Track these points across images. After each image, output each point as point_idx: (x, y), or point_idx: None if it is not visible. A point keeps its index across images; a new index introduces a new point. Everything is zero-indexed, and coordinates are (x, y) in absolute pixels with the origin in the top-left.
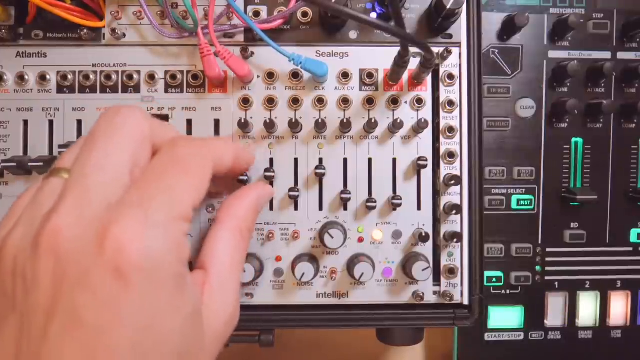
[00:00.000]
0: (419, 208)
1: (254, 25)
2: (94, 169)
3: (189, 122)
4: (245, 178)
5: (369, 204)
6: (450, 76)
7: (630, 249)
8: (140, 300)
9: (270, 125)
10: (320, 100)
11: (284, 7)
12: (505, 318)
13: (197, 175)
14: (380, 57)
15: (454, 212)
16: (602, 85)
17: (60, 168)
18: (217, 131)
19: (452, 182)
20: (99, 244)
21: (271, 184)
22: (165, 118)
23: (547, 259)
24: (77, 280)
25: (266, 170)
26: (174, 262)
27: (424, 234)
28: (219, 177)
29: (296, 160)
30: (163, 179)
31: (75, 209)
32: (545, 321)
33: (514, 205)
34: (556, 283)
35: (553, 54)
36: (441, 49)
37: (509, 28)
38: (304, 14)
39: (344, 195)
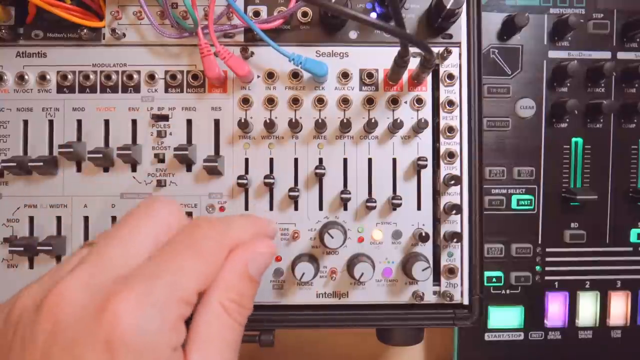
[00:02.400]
0: (419, 208)
1: (254, 25)
2: (116, 242)
3: (189, 122)
4: (245, 181)
5: (369, 204)
6: (450, 76)
7: (630, 249)
8: None
9: (270, 125)
10: (320, 100)
11: (284, 7)
12: (505, 318)
13: (209, 262)
14: (380, 57)
15: (454, 212)
16: (602, 85)
17: (94, 241)
18: (217, 131)
19: (452, 182)
20: (97, 313)
21: (270, 191)
22: (165, 118)
23: (547, 259)
24: (67, 345)
25: (266, 176)
26: (164, 346)
27: (424, 234)
28: None
29: (296, 160)
30: (174, 260)
31: (85, 276)
32: (545, 321)
33: (514, 205)
34: (556, 283)
35: (553, 54)
36: (441, 49)
37: (509, 28)
38: (304, 14)
39: (344, 195)
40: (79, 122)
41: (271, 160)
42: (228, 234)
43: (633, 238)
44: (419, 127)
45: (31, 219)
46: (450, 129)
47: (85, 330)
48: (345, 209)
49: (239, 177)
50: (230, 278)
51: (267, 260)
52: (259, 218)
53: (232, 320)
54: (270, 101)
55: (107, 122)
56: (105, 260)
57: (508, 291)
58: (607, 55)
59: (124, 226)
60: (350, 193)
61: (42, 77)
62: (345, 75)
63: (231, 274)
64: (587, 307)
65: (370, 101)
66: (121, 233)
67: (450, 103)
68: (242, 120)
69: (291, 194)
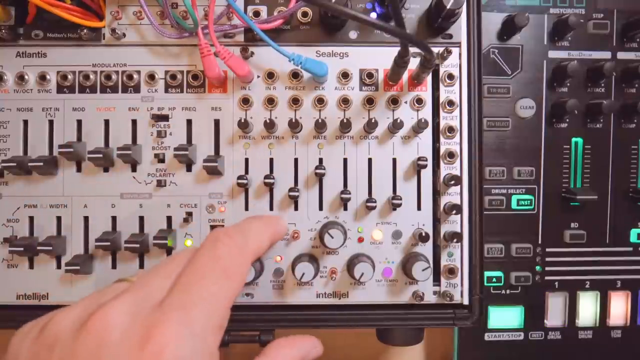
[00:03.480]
0: (419, 208)
1: (254, 25)
2: (155, 273)
3: (189, 122)
4: (245, 181)
5: (369, 204)
6: (450, 76)
7: (630, 249)
8: None
9: (270, 125)
10: (320, 100)
11: (284, 7)
12: (505, 318)
13: (238, 280)
14: (380, 57)
15: (454, 212)
16: (602, 85)
17: (130, 278)
18: (217, 131)
19: (452, 182)
20: (142, 343)
21: (270, 191)
22: (165, 118)
23: (547, 259)
24: None
25: (266, 176)
26: None
27: (424, 234)
28: None
29: (296, 160)
30: (204, 284)
31: (130, 301)
32: (545, 321)
33: (514, 205)
34: (556, 283)
35: (553, 54)
36: (441, 49)
37: (509, 28)
38: (304, 14)
39: (344, 195)
40: (79, 122)
41: (271, 160)
42: (248, 245)
43: (633, 238)
44: (419, 127)
45: (31, 219)
46: (450, 129)
47: (128, 356)
48: (345, 209)
49: (239, 177)
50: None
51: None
52: (270, 218)
53: None
54: (270, 101)
55: (107, 122)
56: (146, 289)
57: (508, 291)
58: (607, 55)
59: (161, 266)
60: (350, 193)
61: (42, 77)
62: (345, 75)
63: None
64: (587, 307)
65: (370, 101)
66: (160, 266)
67: (450, 103)
68: (242, 120)
69: (291, 194)
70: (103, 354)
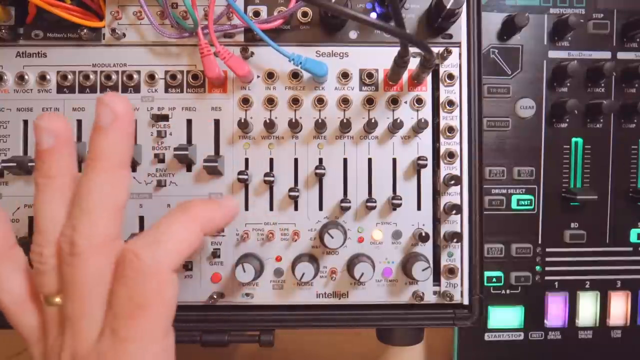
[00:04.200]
0: (419, 208)
1: (254, 25)
2: (82, 307)
3: (189, 122)
4: (245, 177)
5: (369, 204)
6: (450, 76)
7: (630, 249)
8: None
9: (270, 125)
10: (320, 100)
11: (284, 7)
12: (505, 318)
13: (160, 305)
14: (380, 57)
15: (454, 212)
16: (602, 85)
17: (53, 300)
18: (217, 131)
19: (452, 182)
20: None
21: (270, 187)
22: (165, 118)
23: (547, 259)
24: None
25: (266, 174)
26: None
27: (424, 234)
28: None
29: (296, 160)
30: (128, 325)
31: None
32: (545, 321)
33: (514, 205)
34: (556, 283)
35: (553, 54)
36: (441, 49)
37: (509, 28)
38: (304, 14)
39: (344, 204)
40: (79, 122)
41: (271, 160)
42: (164, 258)
43: (633, 238)
44: (419, 127)
45: (31, 219)
46: (450, 129)
47: None
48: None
49: (240, 173)
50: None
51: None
52: (198, 209)
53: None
54: (270, 101)
55: None
56: (78, 334)
57: (508, 291)
58: (607, 55)
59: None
60: (350, 202)
61: (42, 77)
62: (345, 75)
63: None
64: (587, 307)
65: (370, 101)
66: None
67: (450, 103)
68: (242, 120)
69: (291, 194)
70: None
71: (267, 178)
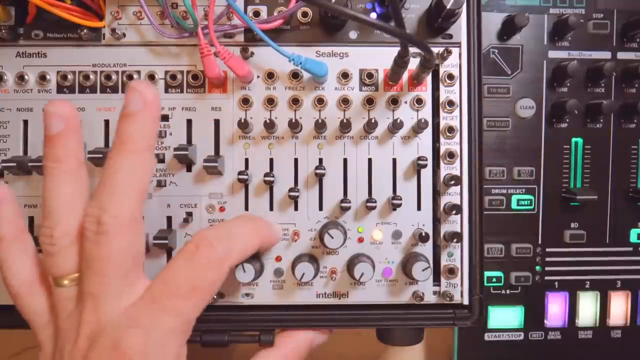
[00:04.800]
0: (419, 208)
1: (253, 26)
2: (115, 277)
3: (189, 122)
4: (245, 177)
5: (369, 204)
6: (450, 76)
7: (630, 249)
8: None
9: (270, 125)
10: (320, 101)
11: (284, 7)
12: (505, 318)
13: (207, 296)
14: (380, 57)
15: (454, 212)
16: (602, 85)
17: (69, 276)
18: (217, 131)
19: (452, 182)
20: (109, 351)
21: (270, 187)
22: (165, 118)
23: (547, 259)
24: None
25: (266, 174)
26: None
27: (424, 234)
28: None
29: (296, 160)
30: (173, 296)
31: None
32: (545, 321)
33: (514, 205)
34: (556, 283)
35: (553, 54)
36: (441, 49)
37: (509, 28)
38: (304, 14)
39: (344, 204)
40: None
41: (271, 160)
42: (230, 256)
43: (633, 238)
44: (419, 127)
45: (31, 219)
46: (450, 129)
47: None
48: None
49: (240, 173)
50: (303, 344)
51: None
52: (263, 223)
53: None
54: (270, 101)
55: (107, 122)
56: (109, 296)
57: (508, 291)
58: (607, 55)
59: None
60: (350, 202)
61: (42, 77)
62: (345, 75)
63: (305, 342)
64: (587, 307)
65: (370, 101)
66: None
67: (450, 103)
68: (242, 121)
69: (291, 194)
70: None
71: (267, 178)
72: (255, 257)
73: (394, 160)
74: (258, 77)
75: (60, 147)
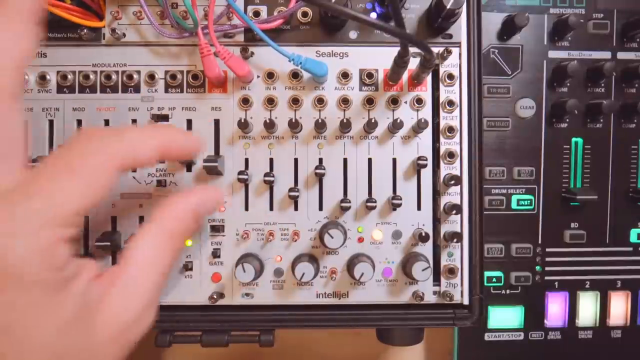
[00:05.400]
0: (419, 208)
1: (253, 26)
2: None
3: (189, 122)
4: (245, 177)
5: (369, 204)
6: (450, 76)
7: (630, 249)
8: (4, 303)
9: (270, 125)
10: (320, 100)
11: (284, 7)
12: (505, 318)
13: (88, 180)
14: (380, 57)
15: (454, 212)
16: (602, 85)
17: None
18: (217, 131)
19: (452, 182)
20: None
21: (270, 187)
22: (165, 118)
23: (547, 259)
24: None
25: (266, 174)
26: (40, 270)
27: (424, 234)
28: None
29: (296, 160)
30: (46, 179)
31: None
32: (545, 321)
33: (514, 205)
34: (556, 283)
35: (553, 54)
36: (441, 49)
37: (509, 28)
38: (304, 14)
39: (344, 204)
40: (79, 122)
41: (271, 160)
42: (116, 147)
43: (633, 238)
44: (419, 127)
45: None
46: (450, 129)
47: None
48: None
49: (240, 173)
50: (184, 211)
51: (215, 207)
52: (167, 128)
53: (172, 246)
54: (270, 101)
55: (107, 122)
56: None
57: (508, 291)
58: (607, 55)
59: None
60: (350, 202)
61: (42, 77)
62: (345, 75)
63: (186, 208)
64: (587, 307)
65: (370, 101)
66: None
67: (450, 103)
68: (242, 120)
69: (291, 194)
70: None
71: (267, 178)
72: (256, 257)
73: (394, 160)
74: (258, 77)
75: None
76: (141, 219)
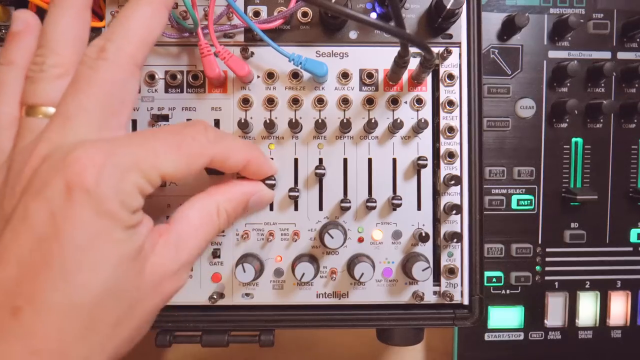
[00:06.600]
0: (419, 208)
1: (254, 25)
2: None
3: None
4: (273, 182)
5: (369, 204)
6: (450, 76)
7: (630, 249)
8: (79, 220)
9: (270, 125)
10: (320, 100)
11: (284, 7)
12: (505, 318)
13: (183, 160)
14: (380, 57)
15: (454, 212)
16: (602, 85)
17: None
18: None
19: (452, 182)
20: (62, 160)
21: (270, 187)
22: (165, 118)
23: (547, 259)
24: (37, 191)
25: (267, 178)
26: (117, 205)
27: (424, 234)
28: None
29: (296, 160)
30: (152, 139)
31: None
32: (545, 321)
33: (514, 205)
34: (556, 283)
35: (553, 54)
36: (441, 49)
37: (509, 28)
38: (304, 14)
39: (343, 204)
40: None
41: (271, 160)
42: (217, 146)
43: (633, 238)
44: (419, 127)
45: None
46: (450, 129)
47: (52, 176)
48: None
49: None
50: (236, 196)
51: (264, 205)
52: (258, 149)
53: (216, 222)
54: (270, 101)
55: None
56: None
57: (508, 291)
58: (607, 55)
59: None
60: (350, 202)
61: None
62: (345, 75)
63: (239, 194)
64: (587, 307)
65: (370, 101)
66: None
67: (450, 103)
68: (242, 121)
69: (291, 194)
70: (32, 184)
71: (268, 182)
72: (256, 257)
73: (394, 160)
74: (258, 77)
75: None
76: None
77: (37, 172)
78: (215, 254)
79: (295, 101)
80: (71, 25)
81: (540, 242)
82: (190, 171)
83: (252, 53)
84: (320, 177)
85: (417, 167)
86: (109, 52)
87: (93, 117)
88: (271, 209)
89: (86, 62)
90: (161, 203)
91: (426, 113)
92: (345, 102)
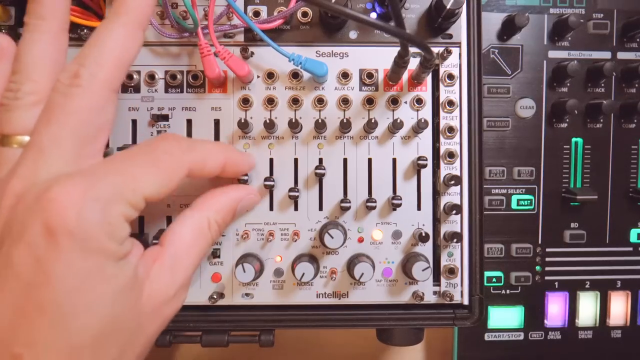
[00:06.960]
0: (419, 208)
1: (254, 25)
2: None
3: (189, 122)
4: (245, 178)
5: (369, 204)
6: (450, 76)
7: (630, 249)
8: (67, 263)
9: (270, 125)
10: (320, 100)
11: (284, 7)
12: (505, 318)
13: (164, 174)
14: (380, 57)
15: (454, 212)
16: (602, 85)
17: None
18: (217, 131)
19: (452, 182)
20: (37, 200)
21: (270, 191)
22: (165, 118)
23: (547, 259)
24: (17, 235)
25: (266, 179)
26: (104, 239)
27: (424, 234)
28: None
29: (296, 160)
30: (128, 163)
31: (26, 172)
32: (545, 321)
33: (514, 205)
34: (556, 283)
35: (553, 54)
36: (441, 49)
37: (509, 28)
38: (304, 14)
39: (343, 204)
40: None
41: (271, 160)
42: (192, 154)
43: (633, 238)
44: (419, 127)
45: None
46: (450, 129)
47: (30, 219)
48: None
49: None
50: (224, 205)
51: (252, 206)
52: (232, 148)
53: (209, 236)
54: (270, 101)
55: None
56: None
57: (508, 291)
58: (607, 55)
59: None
60: (350, 202)
61: None
62: (345, 75)
63: (227, 203)
64: (587, 307)
65: (370, 101)
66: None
67: (450, 103)
68: (242, 121)
69: (291, 194)
70: (12, 228)
71: (267, 182)
72: (256, 257)
73: (394, 160)
74: (258, 77)
75: (46, 5)
76: (141, 219)
77: (14, 213)
78: (215, 254)
79: (295, 101)
80: (47, 50)
81: (540, 242)
82: (172, 186)
83: (252, 53)
84: (320, 177)
85: (417, 167)
86: (82, 78)
87: (67, 148)
88: (271, 209)
89: (59, 88)
90: (161, 203)
91: (426, 113)
92: (345, 102)
